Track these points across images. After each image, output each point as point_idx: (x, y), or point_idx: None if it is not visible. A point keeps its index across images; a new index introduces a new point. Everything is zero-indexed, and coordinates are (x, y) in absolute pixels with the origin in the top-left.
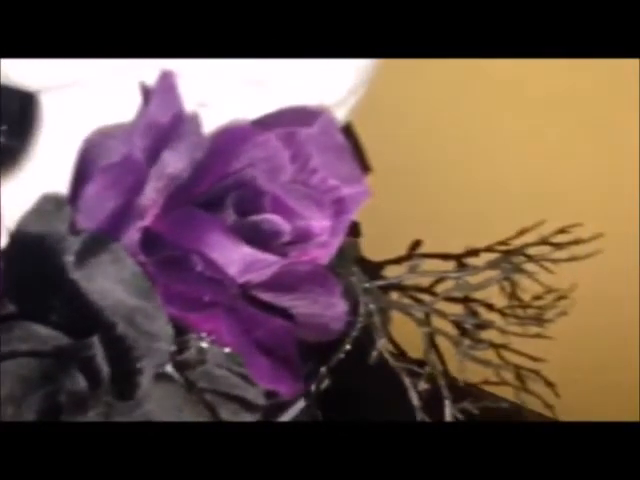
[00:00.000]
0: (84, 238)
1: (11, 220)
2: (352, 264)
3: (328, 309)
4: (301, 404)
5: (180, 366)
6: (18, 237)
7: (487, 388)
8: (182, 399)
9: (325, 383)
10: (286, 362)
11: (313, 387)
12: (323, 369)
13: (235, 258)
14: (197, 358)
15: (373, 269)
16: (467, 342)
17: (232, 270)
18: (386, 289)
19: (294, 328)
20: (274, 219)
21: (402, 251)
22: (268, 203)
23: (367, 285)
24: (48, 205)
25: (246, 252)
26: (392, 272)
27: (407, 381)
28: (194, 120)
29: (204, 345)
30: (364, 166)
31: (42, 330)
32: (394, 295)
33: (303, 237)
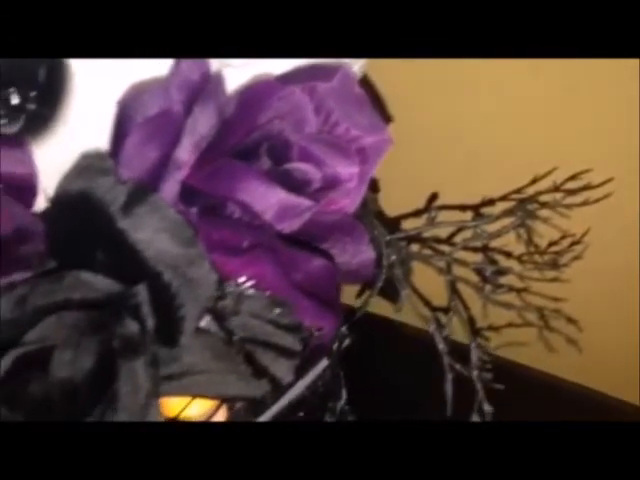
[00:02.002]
0: (129, 188)
1: (46, 182)
2: (373, 217)
3: (357, 256)
4: (324, 362)
5: (217, 317)
6: (61, 196)
7: (511, 330)
8: (221, 350)
9: (347, 342)
10: (328, 300)
11: (335, 346)
12: (344, 328)
13: (272, 202)
14: (233, 309)
15: (392, 223)
16: (489, 287)
17: (268, 216)
18: (406, 241)
19: (334, 267)
20: (304, 167)
21: (420, 204)
22: (296, 153)
23: (388, 238)
24: (89, 161)
25: (282, 196)
26: (411, 225)
27: (432, 328)
28: (220, 79)
29: (245, 291)
30: (385, 116)
31: (93, 278)
32: (414, 247)
33: (332, 184)
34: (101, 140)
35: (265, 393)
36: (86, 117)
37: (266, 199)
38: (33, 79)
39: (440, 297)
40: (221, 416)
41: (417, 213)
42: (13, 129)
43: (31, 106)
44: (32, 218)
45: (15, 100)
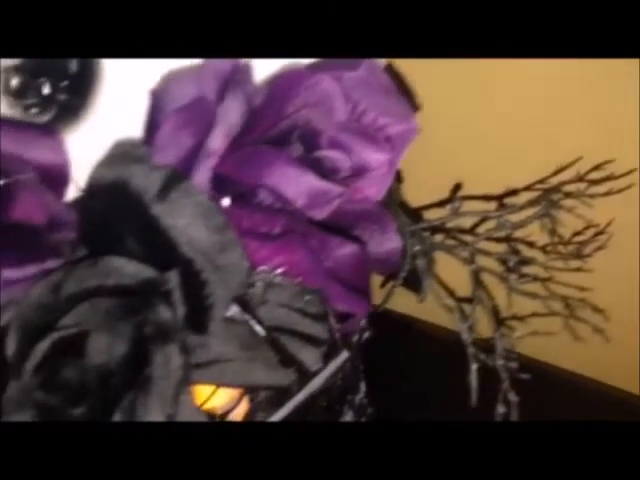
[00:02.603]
0: (164, 174)
1: (77, 172)
2: (397, 207)
3: (385, 244)
4: (345, 354)
5: (245, 305)
6: (95, 184)
7: (536, 320)
8: (248, 339)
9: (367, 334)
10: (360, 287)
11: (355, 338)
12: (364, 321)
13: (303, 188)
14: (261, 297)
15: (415, 213)
16: (513, 277)
17: (300, 202)
18: (430, 231)
19: (366, 254)
20: (334, 154)
21: (442, 195)
22: (325, 141)
23: (412, 228)
24: (123, 149)
25: (313, 182)
26: (434, 216)
27: (457, 317)
28: (248, 68)
29: (273, 279)
30: (412, 105)
31: (125, 264)
32: (438, 237)
33: (361, 172)
34: (130, 129)
35: (291, 382)
36: (116, 106)
37: (297, 185)
38: (64, 69)
39: (463, 288)
40: (243, 407)
41: (441, 203)
42: (44, 118)
43: (62, 96)
44: (64, 207)
45: (47, 90)
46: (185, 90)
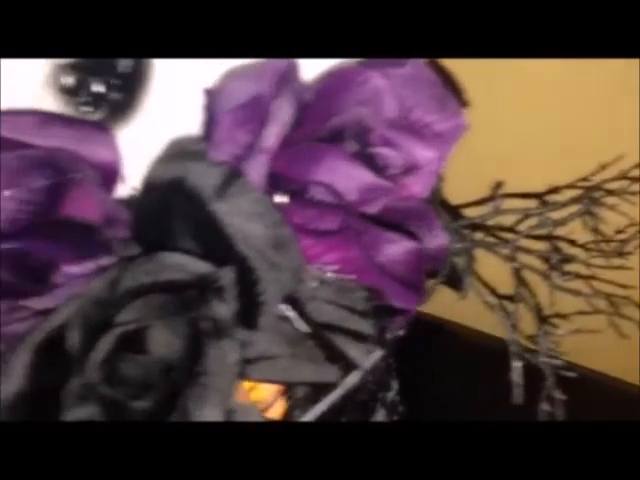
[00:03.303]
0: (223, 170)
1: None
2: (439, 205)
3: (433, 241)
4: (379, 352)
5: (294, 302)
6: (152, 181)
7: (580, 318)
8: (295, 335)
9: (400, 332)
10: (413, 283)
11: (389, 336)
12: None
13: (356, 183)
14: (309, 295)
15: (455, 211)
16: (555, 274)
17: (352, 196)
18: (470, 229)
19: (420, 249)
20: (385, 151)
21: (482, 194)
22: (375, 138)
23: (453, 225)
24: (180, 146)
25: (366, 177)
26: (474, 213)
27: (501, 315)
28: (296, 66)
29: (324, 275)
30: (460, 101)
31: (180, 260)
32: (478, 235)
33: (410, 169)
34: (182, 127)
35: (338, 379)
36: (166, 105)
37: (351, 179)
38: (115, 68)
39: (503, 285)
40: (280, 404)
41: (482, 201)
42: (96, 116)
43: (114, 94)
44: (117, 204)
45: (98, 88)
46: (244, 88)
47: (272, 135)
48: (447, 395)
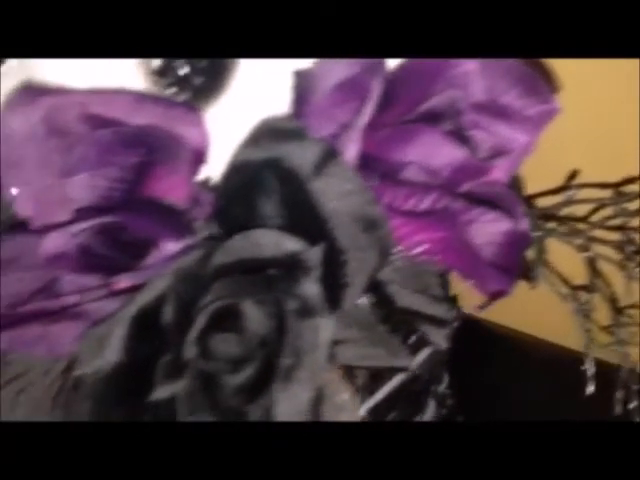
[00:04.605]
0: (320, 149)
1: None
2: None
3: (517, 226)
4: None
5: (374, 285)
6: (240, 162)
7: None
8: (373, 319)
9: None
10: (507, 266)
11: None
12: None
13: (451, 159)
14: (389, 277)
15: (527, 200)
16: (632, 265)
17: (446, 173)
18: (543, 218)
19: (516, 231)
20: (477, 134)
21: (558, 182)
22: (467, 121)
23: (527, 213)
24: (271, 125)
25: (459, 155)
26: (547, 203)
27: (574, 306)
28: None
29: (407, 258)
30: (552, 86)
31: (270, 239)
32: (551, 225)
33: (499, 152)
34: (267, 109)
35: (416, 364)
36: (250, 89)
37: (444, 157)
38: None
39: (575, 276)
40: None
41: (557, 191)
42: (181, 99)
43: (199, 76)
44: (202, 184)
45: (184, 70)
46: (339, 69)
47: (366, 115)
48: (497, 392)
